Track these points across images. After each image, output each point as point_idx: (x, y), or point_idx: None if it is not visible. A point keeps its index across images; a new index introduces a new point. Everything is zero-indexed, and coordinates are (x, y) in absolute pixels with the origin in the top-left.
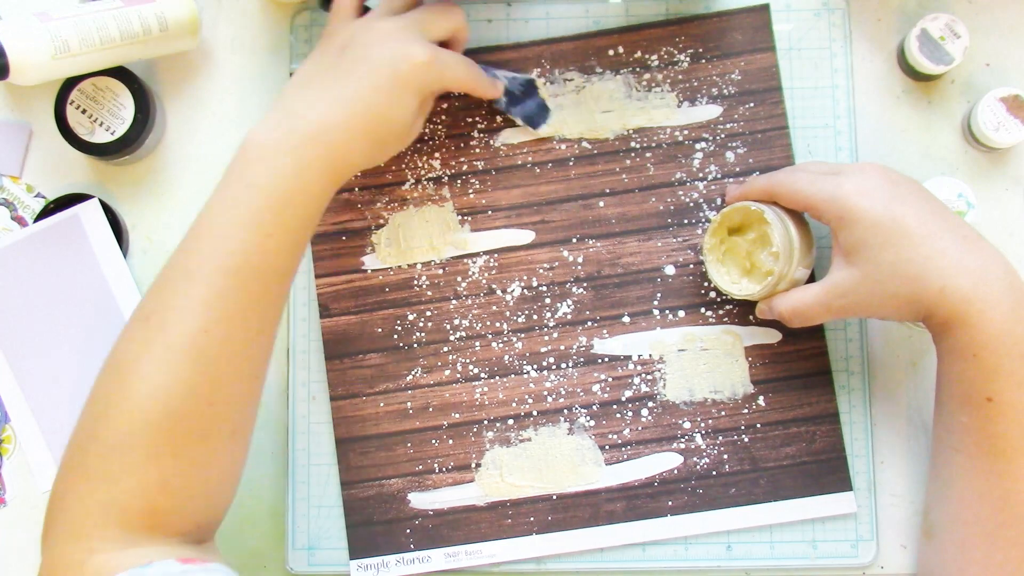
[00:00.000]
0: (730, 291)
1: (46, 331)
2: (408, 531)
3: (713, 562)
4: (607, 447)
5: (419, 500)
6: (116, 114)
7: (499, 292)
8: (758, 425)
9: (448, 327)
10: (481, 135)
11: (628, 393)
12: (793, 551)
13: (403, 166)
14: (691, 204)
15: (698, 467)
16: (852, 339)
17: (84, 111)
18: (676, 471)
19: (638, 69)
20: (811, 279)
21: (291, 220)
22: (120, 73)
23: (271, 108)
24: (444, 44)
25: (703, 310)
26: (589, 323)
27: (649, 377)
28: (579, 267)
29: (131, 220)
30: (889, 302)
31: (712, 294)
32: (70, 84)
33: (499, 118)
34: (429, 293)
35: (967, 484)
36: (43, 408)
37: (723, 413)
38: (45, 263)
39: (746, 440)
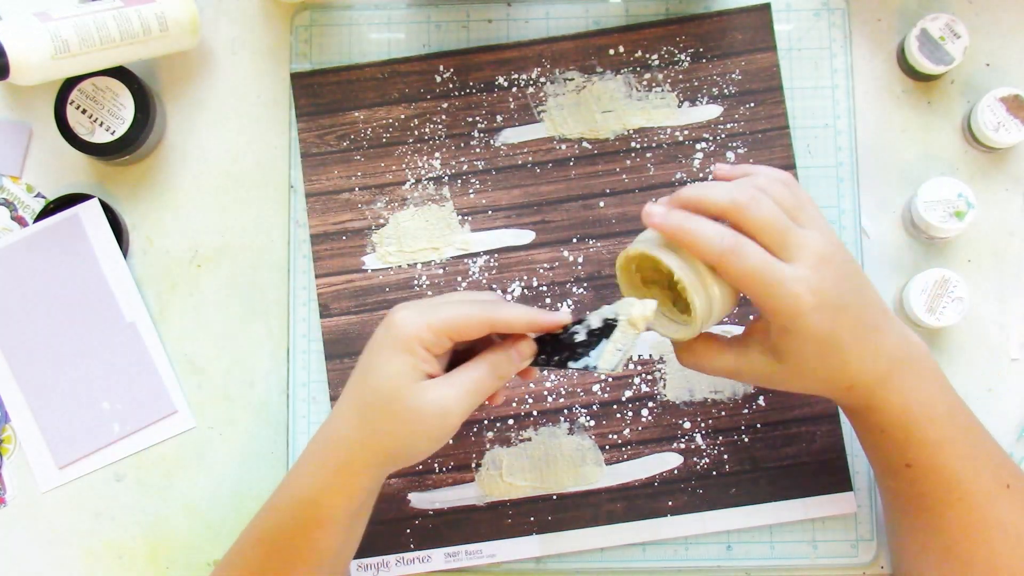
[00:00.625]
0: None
1: (46, 331)
2: (408, 531)
3: (713, 562)
4: (607, 447)
5: (419, 500)
6: (116, 114)
7: (499, 292)
8: (758, 425)
9: None
10: (481, 135)
11: (628, 393)
12: (793, 551)
13: (403, 166)
14: None
15: (698, 467)
16: None
17: (84, 111)
18: (676, 471)
19: (639, 69)
20: None
21: (303, 519)
22: (120, 73)
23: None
24: None
25: None
26: None
27: (649, 377)
28: (579, 267)
29: (131, 220)
30: (798, 389)
31: None
32: (70, 84)
33: (500, 117)
34: (429, 293)
35: (912, 539)
36: (43, 408)
37: (723, 413)
38: (45, 263)
39: (746, 440)
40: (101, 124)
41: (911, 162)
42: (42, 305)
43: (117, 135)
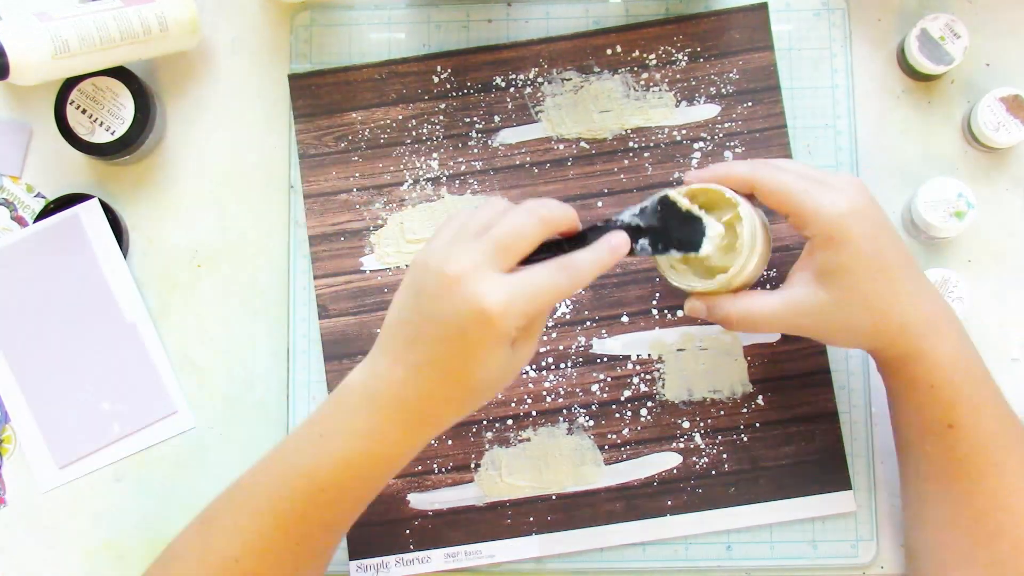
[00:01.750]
0: (672, 279)
1: (46, 331)
2: (407, 531)
3: (713, 562)
4: (606, 447)
5: (418, 500)
6: (116, 114)
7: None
8: (757, 424)
9: None
10: (479, 135)
11: (627, 393)
12: (793, 551)
13: (401, 167)
14: None
15: (697, 466)
16: None
17: (84, 111)
18: (675, 471)
19: (636, 68)
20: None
21: (352, 480)
22: (120, 73)
23: (372, 349)
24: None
25: None
26: (588, 323)
27: (648, 377)
28: None
29: (131, 220)
30: (850, 331)
31: None
32: (70, 84)
33: (498, 118)
34: None
35: (939, 510)
36: (43, 408)
37: (722, 412)
38: (45, 263)
39: (745, 439)
40: (101, 124)
41: (911, 162)
42: (42, 305)
43: (117, 135)
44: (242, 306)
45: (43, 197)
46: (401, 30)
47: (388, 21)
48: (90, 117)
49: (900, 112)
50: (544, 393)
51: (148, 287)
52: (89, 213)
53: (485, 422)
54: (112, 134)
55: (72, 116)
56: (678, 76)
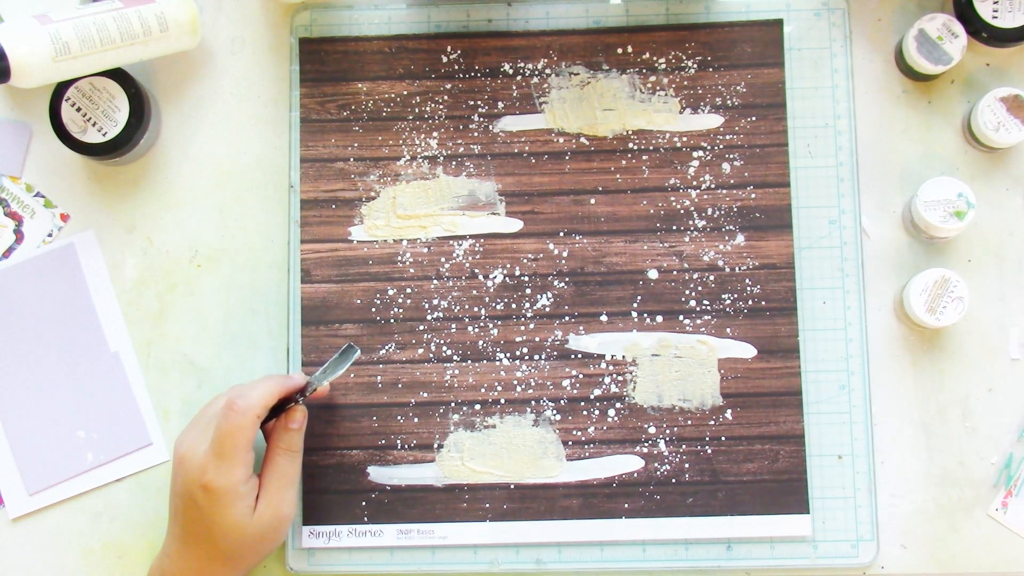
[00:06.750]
0: None
1: (30, 355)
2: (363, 503)
3: (713, 562)
4: (570, 443)
5: (378, 474)
6: (110, 116)
7: (480, 277)
8: (723, 438)
9: (426, 306)
10: (481, 119)
11: (597, 391)
12: (793, 551)
13: (400, 142)
14: (681, 211)
15: (658, 473)
16: (852, 339)
17: (79, 109)
18: (636, 474)
19: (644, 70)
20: None
21: None
22: (118, 75)
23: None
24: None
25: (681, 317)
26: (567, 318)
27: (620, 378)
28: (563, 261)
29: (131, 220)
30: None
31: (692, 303)
32: (68, 79)
33: (501, 104)
34: (412, 271)
35: None
36: (18, 433)
37: (689, 422)
38: (37, 289)
39: (709, 452)
40: (94, 124)
41: (911, 162)
42: (30, 330)
43: (108, 137)
44: (242, 306)
45: (42, 196)
46: (401, 30)
47: (388, 21)
48: (84, 116)
49: (900, 112)
50: (515, 382)
51: (148, 287)
52: (85, 243)
53: (453, 404)
54: (104, 135)
55: (66, 112)
56: (685, 83)
